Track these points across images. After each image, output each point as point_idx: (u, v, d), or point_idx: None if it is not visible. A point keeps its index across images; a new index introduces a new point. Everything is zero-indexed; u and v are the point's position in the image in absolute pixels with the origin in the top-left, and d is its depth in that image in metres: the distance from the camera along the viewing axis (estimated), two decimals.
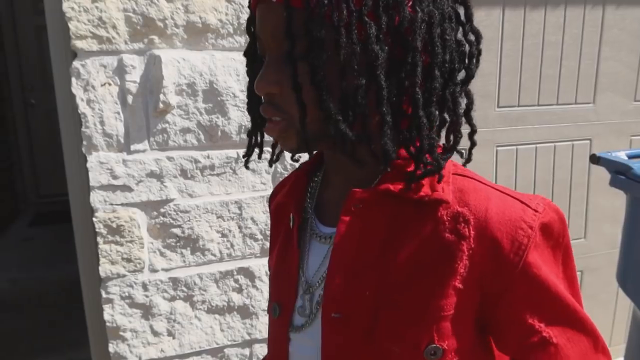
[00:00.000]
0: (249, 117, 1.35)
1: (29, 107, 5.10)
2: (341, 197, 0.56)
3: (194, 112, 1.31)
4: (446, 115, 0.53)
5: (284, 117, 0.53)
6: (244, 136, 1.36)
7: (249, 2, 0.56)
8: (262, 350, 1.49)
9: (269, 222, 1.42)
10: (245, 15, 1.31)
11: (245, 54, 0.61)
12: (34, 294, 3.47)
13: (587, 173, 1.92)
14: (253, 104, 0.62)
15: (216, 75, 1.30)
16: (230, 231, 1.40)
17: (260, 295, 1.45)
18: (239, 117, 1.34)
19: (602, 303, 2.07)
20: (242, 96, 1.33)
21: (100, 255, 1.30)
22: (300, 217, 0.62)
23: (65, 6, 1.17)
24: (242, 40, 1.32)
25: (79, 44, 1.20)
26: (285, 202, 0.65)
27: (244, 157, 0.66)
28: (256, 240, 1.42)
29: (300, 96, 0.49)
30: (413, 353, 0.52)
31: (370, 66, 0.49)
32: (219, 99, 1.32)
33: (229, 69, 1.31)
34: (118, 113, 1.26)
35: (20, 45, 5.03)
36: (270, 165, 0.68)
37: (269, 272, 0.73)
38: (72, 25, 1.19)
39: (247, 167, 0.66)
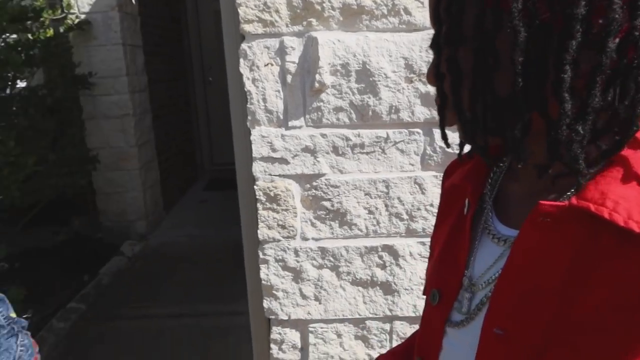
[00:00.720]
0: (398, 97, 1.36)
1: (207, 84, 5.73)
2: (526, 196, 0.50)
3: (347, 91, 1.36)
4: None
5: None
6: (394, 116, 1.37)
7: None
8: (402, 327, 1.51)
9: (415, 203, 1.43)
10: None
11: (431, 46, 0.55)
12: (206, 249, 3.97)
13: None
14: (440, 82, 0.57)
15: (369, 56, 1.33)
16: (376, 209, 1.43)
17: (403, 275, 1.47)
18: (389, 98, 1.36)
19: None
20: (394, 77, 1.34)
21: (259, 220, 1.44)
22: (476, 206, 0.58)
23: None
24: (396, 21, 1.32)
25: (246, 27, 1.32)
26: (462, 185, 0.61)
27: (445, 143, 0.57)
28: (402, 219, 1.44)
29: (458, 89, 0.47)
30: None
31: (556, 55, 0.42)
32: (371, 79, 1.34)
33: (381, 50, 1.32)
34: (278, 91, 1.37)
35: (201, 28, 5.64)
36: (461, 159, 0.60)
37: (430, 251, 0.71)
38: (241, 11, 1.31)
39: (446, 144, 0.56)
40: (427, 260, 1.39)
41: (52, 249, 3.83)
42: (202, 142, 5.85)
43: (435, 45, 0.50)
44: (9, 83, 3.14)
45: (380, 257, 1.46)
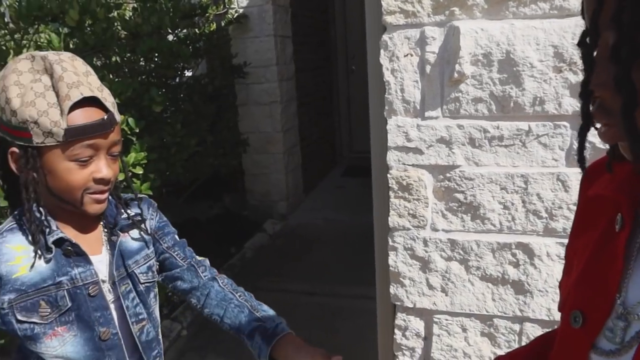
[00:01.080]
0: (544, 88, 1.28)
1: (350, 73, 5.86)
2: None
3: (488, 82, 1.32)
4: None
5: (611, 124, 0.45)
6: (538, 108, 1.29)
7: None
8: (533, 330, 1.44)
9: (556, 200, 1.34)
10: None
11: (579, 44, 0.50)
12: (340, 233, 4.12)
13: None
14: (585, 101, 0.51)
15: (514, 45, 1.27)
16: (512, 204, 1.38)
17: (538, 275, 1.39)
18: (534, 89, 1.29)
19: None
20: (540, 66, 1.26)
21: (390, 208, 1.48)
22: (632, 224, 0.51)
23: None
24: (547, 6, 1.24)
25: (388, 18, 1.35)
26: (614, 197, 0.54)
27: (578, 160, 0.55)
28: (540, 217, 1.36)
29: (631, 111, 0.41)
30: None
31: None
32: (514, 69, 1.28)
33: (528, 38, 1.26)
34: (416, 82, 1.38)
35: (347, 18, 5.77)
36: (609, 170, 0.55)
37: (565, 261, 0.67)
38: (384, 2, 1.34)
39: (582, 167, 0.54)
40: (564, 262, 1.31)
41: (206, 222, 4.30)
42: (342, 129, 6.03)
43: (588, 58, 0.45)
44: (179, 73, 3.57)
45: (514, 255, 1.40)
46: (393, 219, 1.48)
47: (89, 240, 0.96)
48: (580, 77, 1.23)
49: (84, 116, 0.83)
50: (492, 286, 1.45)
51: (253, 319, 1.06)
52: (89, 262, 0.93)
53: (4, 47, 2.22)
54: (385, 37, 1.37)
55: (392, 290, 1.54)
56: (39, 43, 2.41)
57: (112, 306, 0.96)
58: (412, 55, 1.37)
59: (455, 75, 1.33)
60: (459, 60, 1.31)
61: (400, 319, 1.57)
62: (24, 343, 0.89)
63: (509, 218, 1.39)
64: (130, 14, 3.02)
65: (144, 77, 3.13)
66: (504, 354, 0.81)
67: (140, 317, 1.00)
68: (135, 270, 1.01)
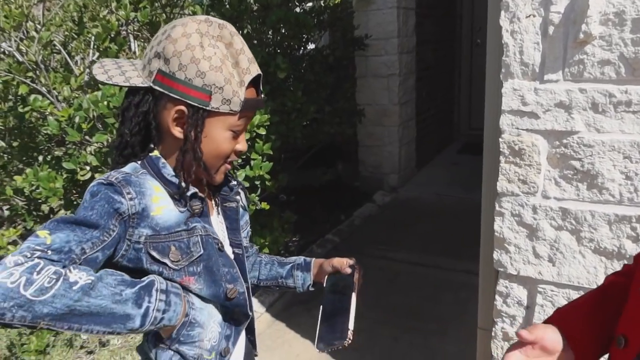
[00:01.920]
0: None
1: (475, 46, 5.64)
2: None
3: (618, 42, 1.24)
4: None
5: None
6: None
7: None
8: None
9: None
10: None
11: None
12: (450, 209, 4.07)
13: None
14: None
15: None
16: (637, 174, 1.30)
17: None
18: None
19: None
20: None
21: (500, 173, 1.47)
22: None
23: None
24: None
25: None
26: None
27: None
28: None
29: None
30: None
31: None
32: None
33: None
34: (537, 43, 1.34)
35: None
36: None
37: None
38: None
39: None
40: None
41: (318, 188, 4.50)
42: (461, 105, 5.86)
43: None
44: (303, 44, 3.74)
45: (634, 229, 1.32)
46: (502, 184, 1.47)
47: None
48: None
49: (251, 92, 0.88)
50: (606, 260, 1.38)
51: (285, 264, 1.15)
52: (210, 223, 0.94)
53: (156, 20, 2.53)
54: None
55: (495, 255, 1.54)
56: (184, 14, 2.68)
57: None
58: (534, 15, 1.33)
59: (581, 36, 1.27)
60: (586, 20, 1.25)
61: (502, 285, 1.56)
62: None
63: (630, 189, 1.31)
64: None
65: (271, 48, 3.34)
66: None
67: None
68: (242, 236, 1.05)
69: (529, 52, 1.36)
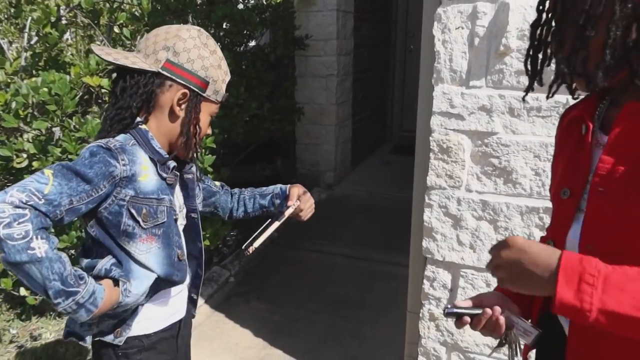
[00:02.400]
0: None
1: (408, 52, 5.91)
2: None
3: None
4: None
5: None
6: None
7: None
8: None
9: None
10: None
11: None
12: (382, 206, 4.27)
13: None
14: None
15: None
16: (544, 171, 1.50)
17: None
18: None
19: None
20: None
21: (429, 168, 1.63)
22: (592, 127, 0.80)
23: None
24: None
25: None
26: (580, 115, 0.83)
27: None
28: None
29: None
30: None
31: None
32: None
33: None
34: (465, 53, 1.51)
35: None
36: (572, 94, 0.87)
37: (552, 172, 0.93)
38: None
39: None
40: None
41: (257, 184, 4.54)
42: (394, 107, 6.12)
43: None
44: (245, 40, 3.79)
45: (541, 219, 1.52)
46: (431, 179, 1.63)
47: None
48: None
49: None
50: None
51: (265, 195, 1.38)
52: (174, 195, 1.13)
53: (99, 7, 2.49)
54: (439, 10, 1.51)
55: (424, 243, 1.70)
56: (132, 7, 2.66)
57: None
58: (462, 28, 1.49)
59: (502, 48, 1.45)
60: (506, 34, 1.43)
61: (430, 270, 1.73)
62: (118, 238, 1.04)
63: (539, 184, 1.51)
64: None
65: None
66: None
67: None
68: (197, 202, 1.24)
69: (457, 60, 1.52)
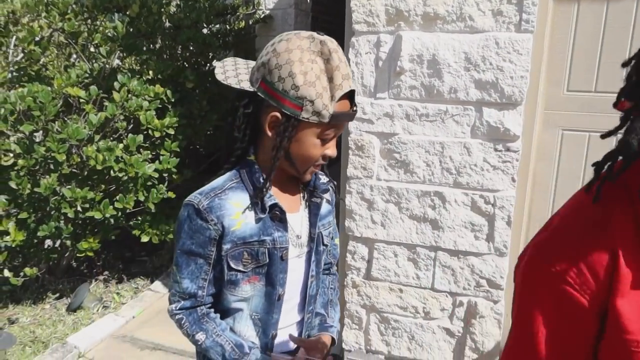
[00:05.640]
0: (457, 82, 1.83)
1: None
2: None
3: (420, 75, 1.88)
4: None
5: None
6: (453, 95, 1.86)
7: None
8: (443, 257, 2.00)
9: (462, 162, 1.89)
10: (467, 7, 1.78)
11: None
12: None
13: None
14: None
15: (438, 50, 1.84)
16: (432, 163, 1.94)
17: (448, 216, 1.95)
18: (450, 81, 1.85)
19: None
20: (455, 66, 1.83)
21: (349, 162, 2.05)
22: None
23: (352, 3, 1.91)
24: (462, 25, 1.80)
25: (356, 27, 1.93)
26: None
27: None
28: (451, 173, 1.92)
29: None
30: None
31: None
32: (437, 67, 1.85)
33: (447, 46, 1.82)
34: (372, 72, 1.95)
35: None
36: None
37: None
38: (354, 15, 1.92)
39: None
40: (467, 207, 1.86)
41: None
42: None
43: None
44: (209, 60, 4.20)
45: (432, 200, 1.96)
46: (350, 170, 2.06)
47: (288, 199, 1.06)
48: (482, 75, 1.77)
49: (342, 105, 0.94)
50: (417, 223, 2.01)
51: (321, 324, 1.19)
52: (286, 229, 1.03)
53: (80, 30, 2.86)
54: (353, 39, 1.95)
55: (346, 223, 2.12)
56: (106, 29, 3.04)
57: (293, 261, 1.06)
58: (370, 53, 1.94)
59: (398, 69, 1.90)
60: (400, 58, 1.88)
61: (351, 245, 2.14)
62: (224, 287, 1.03)
63: (429, 173, 1.95)
64: (175, 9, 3.65)
65: (180, 62, 3.77)
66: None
67: (313, 273, 1.10)
68: (322, 232, 1.11)
69: (367, 78, 1.96)
